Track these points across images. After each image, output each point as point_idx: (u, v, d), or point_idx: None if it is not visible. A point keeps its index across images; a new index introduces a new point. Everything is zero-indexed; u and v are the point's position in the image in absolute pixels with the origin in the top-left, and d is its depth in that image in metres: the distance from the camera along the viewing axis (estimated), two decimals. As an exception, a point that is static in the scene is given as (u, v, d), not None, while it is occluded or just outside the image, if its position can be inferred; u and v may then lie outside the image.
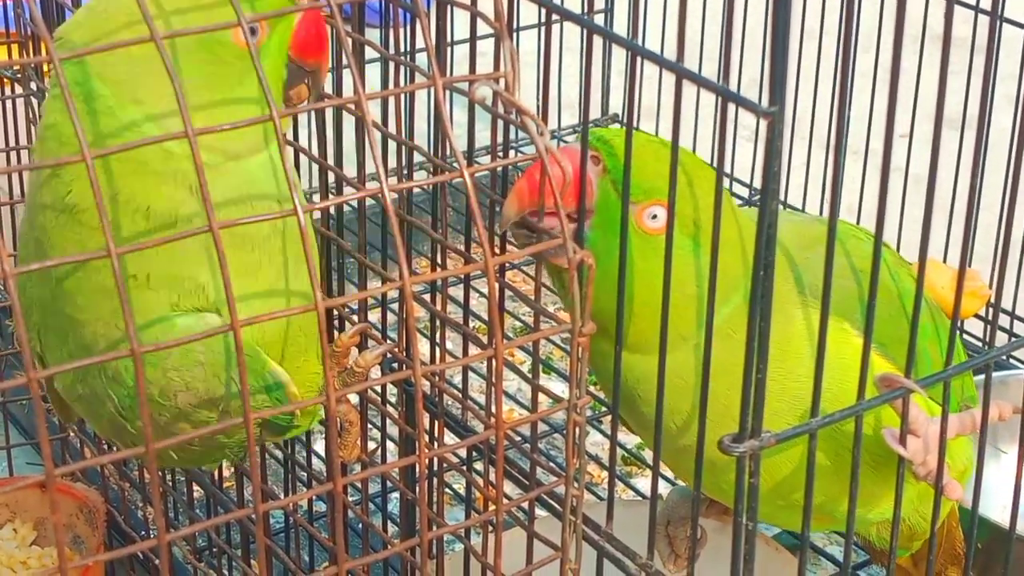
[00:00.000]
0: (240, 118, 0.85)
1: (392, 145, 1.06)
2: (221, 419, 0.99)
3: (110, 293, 0.97)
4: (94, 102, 0.95)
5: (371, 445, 1.46)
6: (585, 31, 0.88)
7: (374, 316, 1.32)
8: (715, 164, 0.82)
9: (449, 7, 0.97)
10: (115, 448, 1.45)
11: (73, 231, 0.97)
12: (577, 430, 0.85)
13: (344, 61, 1.15)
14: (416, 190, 1.30)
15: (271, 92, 0.73)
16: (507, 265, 1.41)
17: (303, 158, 1.14)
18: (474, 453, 1.18)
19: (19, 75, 1.54)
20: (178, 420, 1.00)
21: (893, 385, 0.89)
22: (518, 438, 1.54)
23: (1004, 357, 1.69)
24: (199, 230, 0.70)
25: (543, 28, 0.96)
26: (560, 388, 1.76)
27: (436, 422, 1.07)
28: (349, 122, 1.10)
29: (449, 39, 1.30)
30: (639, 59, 0.84)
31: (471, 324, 1.09)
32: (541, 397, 1.00)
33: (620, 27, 2.15)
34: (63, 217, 0.98)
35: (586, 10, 1.86)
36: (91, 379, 1.01)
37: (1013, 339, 1.71)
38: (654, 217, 0.98)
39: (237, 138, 0.96)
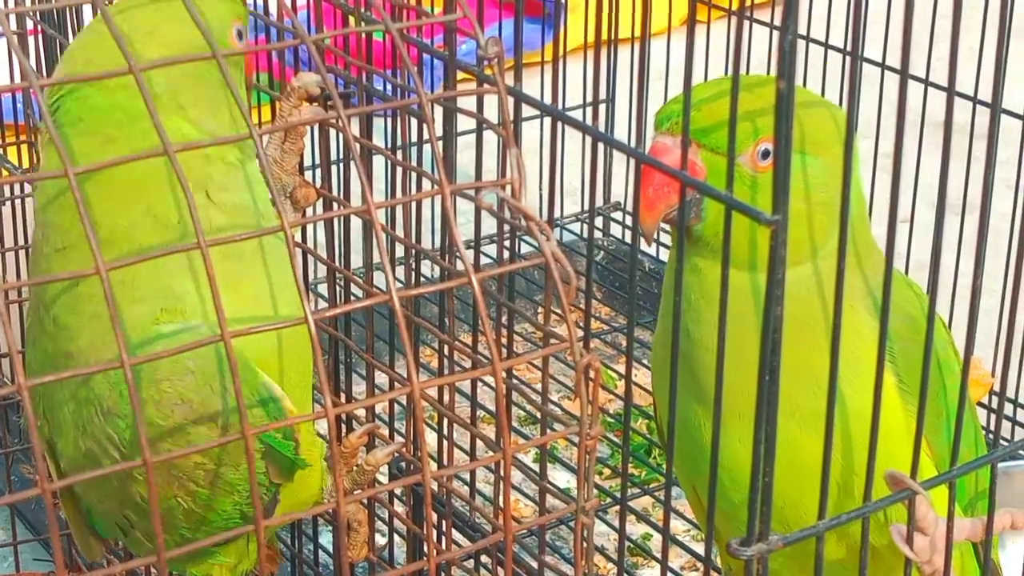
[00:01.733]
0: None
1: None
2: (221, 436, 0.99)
3: (101, 317, 0.99)
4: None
5: (379, 539, 1.46)
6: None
7: (380, 406, 1.33)
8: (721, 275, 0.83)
9: (455, 114, 0.98)
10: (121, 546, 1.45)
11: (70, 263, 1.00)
12: (585, 531, 0.86)
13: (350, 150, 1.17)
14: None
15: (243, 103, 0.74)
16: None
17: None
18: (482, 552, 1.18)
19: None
20: (178, 442, 1.00)
21: (900, 485, 0.89)
22: (524, 531, 1.54)
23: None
24: (189, 246, 0.70)
25: (546, 121, 0.97)
26: (565, 478, 1.76)
27: (444, 521, 1.08)
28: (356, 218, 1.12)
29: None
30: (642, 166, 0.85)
31: (478, 412, 1.10)
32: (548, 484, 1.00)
33: (622, 113, 2.18)
34: (58, 256, 1.00)
35: (588, 100, 1.89)
36: (90, 427, 1.02)
37: (1018, 428, 1.72)
38: (765, 154, 0.99)
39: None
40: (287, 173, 1.08)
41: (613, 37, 2.01)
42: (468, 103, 1.77)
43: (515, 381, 1.79)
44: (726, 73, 1.90)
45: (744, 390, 0.85)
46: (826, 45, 1.82)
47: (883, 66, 1.76)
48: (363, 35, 1.08)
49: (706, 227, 0.99)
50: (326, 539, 1.61)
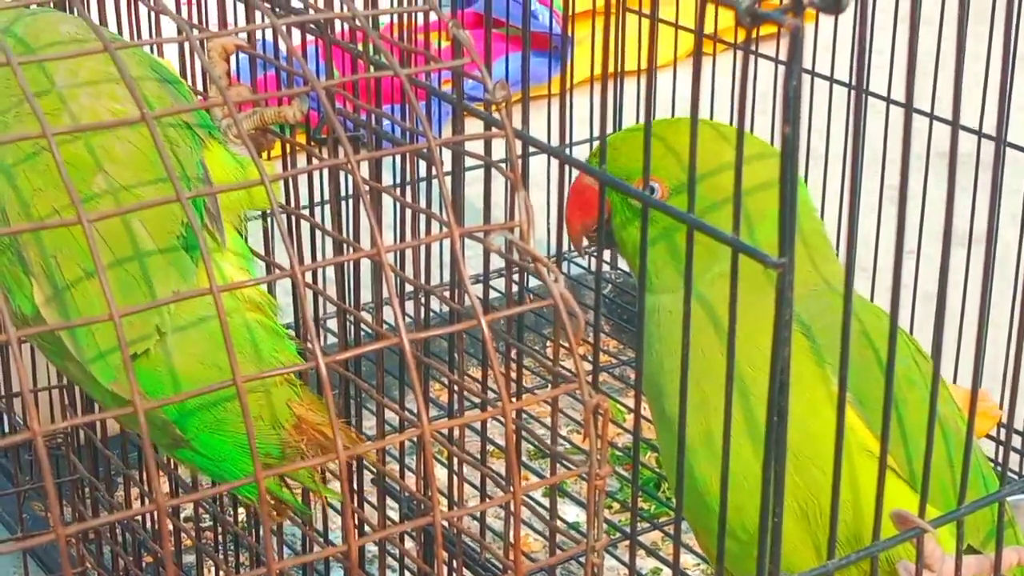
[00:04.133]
0: None
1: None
2: None
3: None
4: None
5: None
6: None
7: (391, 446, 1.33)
8: (730, 318, 0.84)
9: (463, 156, 0.99)
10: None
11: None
12: (595, 570, 0.86)
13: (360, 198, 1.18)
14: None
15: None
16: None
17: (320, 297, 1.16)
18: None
19: None
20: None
21: (907, 524, 0.90)
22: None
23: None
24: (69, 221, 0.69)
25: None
26: (575, 511, 1.76)
27: (455, 559, 1.08)
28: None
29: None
30: (648, 208, 0.86)
31: (487, 447, 1.10)
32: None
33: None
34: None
35: (594, 135, 1.89)
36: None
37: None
38: (651, 190, 1.07)
39: None
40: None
41: (619, 70, 2.02)
42: (476, 143, 1.78)
43: (524, 417, 1.80)
44: (731, 106, 1.91)
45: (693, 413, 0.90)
46: (831, 79, 1.83)
47: (888, 100, 1.77)
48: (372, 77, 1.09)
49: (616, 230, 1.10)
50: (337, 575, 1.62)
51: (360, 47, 1.08)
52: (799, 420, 0.86)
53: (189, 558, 1.56)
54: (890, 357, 0.86)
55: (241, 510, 1.52)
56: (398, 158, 1.17)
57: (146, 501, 1.44)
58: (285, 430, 1.04)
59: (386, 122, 1.08)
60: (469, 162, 1.11)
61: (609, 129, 2.11)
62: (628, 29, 2.00)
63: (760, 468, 0.81)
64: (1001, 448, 1.73)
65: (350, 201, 1.69)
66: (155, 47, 1.21)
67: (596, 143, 0.97)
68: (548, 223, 1.95)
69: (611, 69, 2.02)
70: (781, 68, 1.89)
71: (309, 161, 1.13)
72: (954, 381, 1.82)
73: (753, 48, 1.88)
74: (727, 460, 0.88)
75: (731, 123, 1.92)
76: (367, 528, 1.22)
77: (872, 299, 1.86)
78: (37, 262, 0.99)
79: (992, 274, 1.74)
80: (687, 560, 1.70)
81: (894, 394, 0.87)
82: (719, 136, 1.10)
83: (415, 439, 1.15)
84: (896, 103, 1.75)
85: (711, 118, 1.96)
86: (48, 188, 0.99)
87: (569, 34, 2.86)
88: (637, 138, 1.09)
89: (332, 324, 1.87)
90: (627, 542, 1.52)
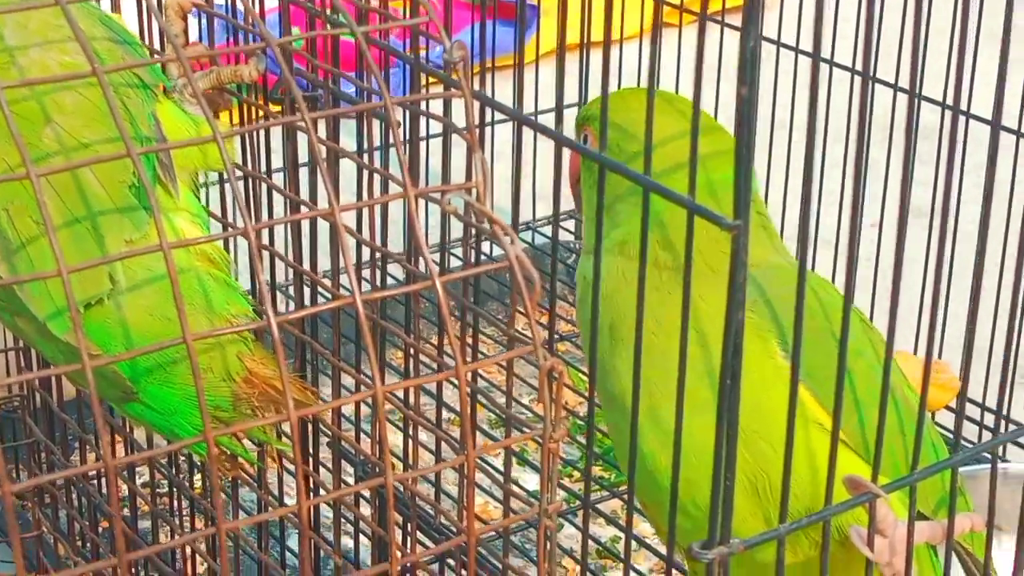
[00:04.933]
0: None
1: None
2: None
3: None
4: None
5: (346, 541, 1.46)
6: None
7: (347, 408, 1.33)
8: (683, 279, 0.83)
9: (422, 116, 0.98)
10: (88, 544, 1.45)
11: None
12: (549, 534, 0.86)
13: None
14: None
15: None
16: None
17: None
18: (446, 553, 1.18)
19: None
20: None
21: (860, 489, 0.90)
22: (492, 534, 1.54)
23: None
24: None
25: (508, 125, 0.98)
26: (536, 480, 1.76)
27: (409, 523, 1.08)
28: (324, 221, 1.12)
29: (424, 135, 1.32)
30: (604, 169, 0.86)
31: (444, 414, 1.10)
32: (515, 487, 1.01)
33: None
34: None
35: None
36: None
37: (985, 432, 1.72)
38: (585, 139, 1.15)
39: None
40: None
41: (585, 41, 2.01)
42: (436, 107, 1.77)
43: (483, 383, 1.80)
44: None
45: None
46: (796, 50, 1.83)
47: (852, 71, 1.77)
48: (330, 38, 1.08)
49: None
50: (293, 541, 1.61)
51: (318, 8, 1.07)
52: (746, 394, 0.85)
53: (146, 523, 1.55)
54: (844, 329, 0.86)
55: (199, 476, 1.51)
56: (357, 124, 1.16)
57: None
58: (236, 383, 1.03)
59: (346, 84, 1.07)
60: (431, 131, 1.10)
61: (575, 98, 2.11)
62: (594, -1, 1.99)
63: (708, 441, 0.81)
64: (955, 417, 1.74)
65: (309, 166, 1.69)
66: (112, 4, 1.19)
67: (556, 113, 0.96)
68: (513, 191, 1.94)
69: (576, 41, 2.01)
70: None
71: (266, 120, 1.12)
72: (915, 352, 1.83)
73: (721, 19, 1.87)
74: (679, 435, 0.88)
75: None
76: (322, 492, 1.22)
77: (835, 272, 1.86)
78: None
79: (954, 247, 1.75)
80: (646, 528, 1.71)
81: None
82: (667, 106, 1.10)
83: (370, 402, 1.14)
84: (859, 73, 1.75)
85: (676, 89, 1.96)
86: None
87: (535, 3, 2.85)
88: (597, 104, 1.09)
89: (292, 292, 1.87)
90: (583, 510, 1.53)
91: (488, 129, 2.05)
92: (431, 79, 1.99)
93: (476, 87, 1.01)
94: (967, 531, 1.01)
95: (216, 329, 0.99)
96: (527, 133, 1.13)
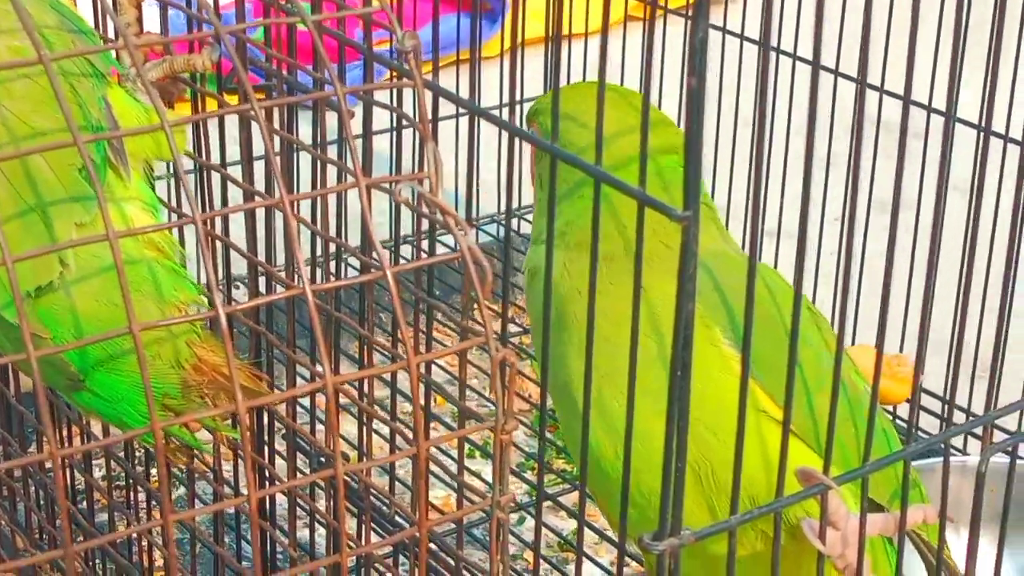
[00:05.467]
0: None
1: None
2: None
3: None
4: None
5: (302, 532, 1.46)
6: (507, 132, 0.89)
7: (306, 401, 1.33)
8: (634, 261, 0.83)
9: (373, 106, 0.98)
10: (45, 537, 1.44)
11: None
12: (501, 525, 0.86)
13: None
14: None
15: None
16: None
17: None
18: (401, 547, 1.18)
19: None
20: None
21: (812, 480, 0.90)
22: (447, 526, 1.54)
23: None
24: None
25: (465, 120, 0.98)
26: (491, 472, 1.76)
27: (363, 515, 1.08)
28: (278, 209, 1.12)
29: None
30: (556, 161, 0.86)
31: (399, 406, 1.10)
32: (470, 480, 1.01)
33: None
34: None
35: (511, 95, 1.88)
36: None
37: (943, 425, 1.73)
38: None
39: None
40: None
41: (554, 34, 2.01)
42: (388, 98, 1.76)
43: (445, 376, 1.79)
44: (662, 70, 1.90)
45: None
46: (782, 52, 1.84)
47: (836, 72, 1.77)
48: (286, 28, 1.08)
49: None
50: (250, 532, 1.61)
51: (274, -3, 1.06)
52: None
53: (103, 516, 1.54)
54: (795, 319, 0.86)
55: (154, 469, 1.51)
56: (313, 116, 1.15)
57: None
58: (185, 371, 1.03)
59: (304, 77, 1.07)
60: (384, 124, 1.10)
61: (541, 91, 2.10)
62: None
63: (654, 429, 0.81)
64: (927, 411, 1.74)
65: (263, 159, 1.68)
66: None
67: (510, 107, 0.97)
68: (456, 188, 1.94)
69: (541, 33, 2.01)
70: (728, 38, 1.89)
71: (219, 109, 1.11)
72: (901, 350, 1.84)
73: (663, 4, 1.87)
74: (631, 423, 0.88)
75: (654, 85, 1.92)
76: (277, 484, 1.21)
77: (818, 269, 1.86)
78: None
79: (916, 239, 1.76)
80: (606, 521, 1.71)
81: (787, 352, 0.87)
82: (619, 100, 1.11)
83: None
84: (836, 72, 1.76)
85: (643, 83, 1.95)
86: None
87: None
88: (546, 99, 1.09)
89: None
90: (545, 502, 1.52)
91: (452, 123, 2.04)
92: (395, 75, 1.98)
93: (431, 79, 1.01)
94: (920, 522, 1.01)
95: (165, 319, 0.98)
96: (492, 128, 1.13)
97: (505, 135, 1.07)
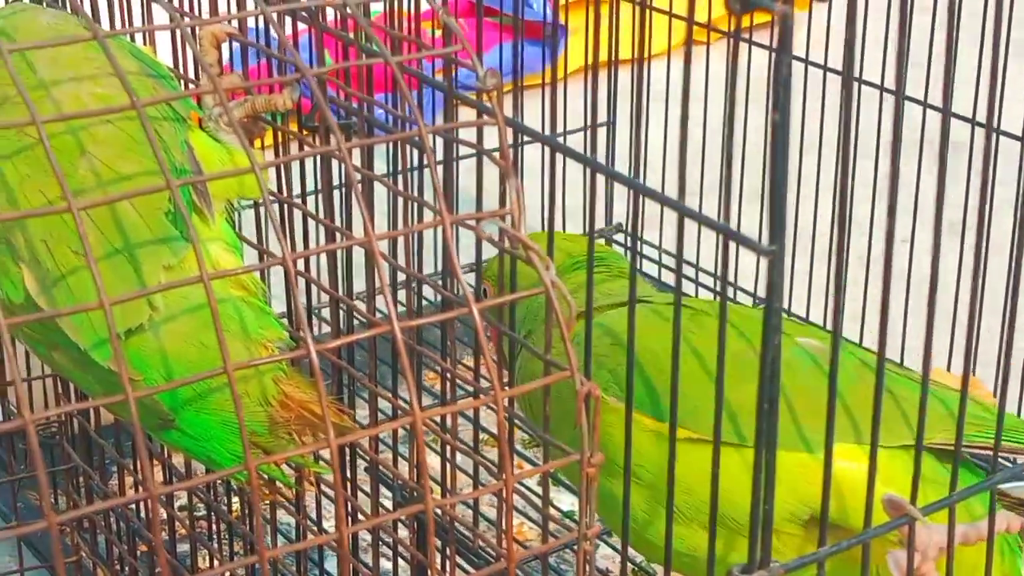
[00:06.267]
0: None
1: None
2: None
3: None
4: None
5: (384, 564, 1.47)
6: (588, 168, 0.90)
7: (385, 432, 1.33)
8: (718, 299, 0.84)
9: (456, 144, 0.99)
10: (126, 569, 1.46)
11: None
12: (587, 557, 0.86)
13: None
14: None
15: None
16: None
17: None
18: None
19: None
20: None
21: (900, 511, 0.90)
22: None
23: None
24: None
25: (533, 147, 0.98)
26: (569, 500, 1.76)
27: (448, 547, 1.08)
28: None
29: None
30: (641, 197, 0.86)
31: (481, 435, 1.10)
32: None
33: (623, 134, 2.19)
34: None
35: (588, 123, 1.89)
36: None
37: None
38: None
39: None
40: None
41: (613, 59, 2.02)
42: (468, 131, 1.77)
43: (517, 408, 1.80)
44: (726, 91, 1.90)
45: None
46: (825, 68, 1.83)
47: (881, 88, 1.77)
48: (363, 65, 1.09)
49: None
50: (331, 564, 1.62)
51: (351, 35, 1.07)
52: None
53: (184, 547, 1.56)
54: (833, 368, 0.85)
55: (235, 499, 1.52)
56: (390, 147, 1.17)
57: (139, 489, 1.44)
58: (272, 407, 1.04)
59: (378, 110, 1.08)
60: (462, 151, 1.11)
61: (602, 117, 2.11)
62: (622, 17, 1.99)
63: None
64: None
65: (342, 191, 1.69)
66: (146, 35, 1.21)
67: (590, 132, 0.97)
68: (542, 213, 1.95)
69: (604, 59, 2.02)
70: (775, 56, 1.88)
71: (301, 149, 1.13)
72: (948, 369, 1.82)
73: (745, 36, 1.87)
74: (717, 465, 0.88)
75: (725, 109, 1.92)
76: (360, 517, 1.22)
77: (867, 286, 1.86)
78: (25, 248, 0.99)
79: (986, 262, 1.74)
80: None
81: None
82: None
83: (408, 427, 1.15)
84: (888, 91, 1.75)
85: (704, 106, 1.95)
86: (35, 174, 0.99)
87: (563, 23, 2.86)
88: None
89: (326, 314, 1.87)
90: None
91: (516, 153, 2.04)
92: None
93: (508, 110, 1.01)
94: (1001, 531, 1.00)
95: (257, 359, 0.99)
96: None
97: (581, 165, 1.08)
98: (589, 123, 1.94)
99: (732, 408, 1.02)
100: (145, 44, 1.28)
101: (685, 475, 1.06)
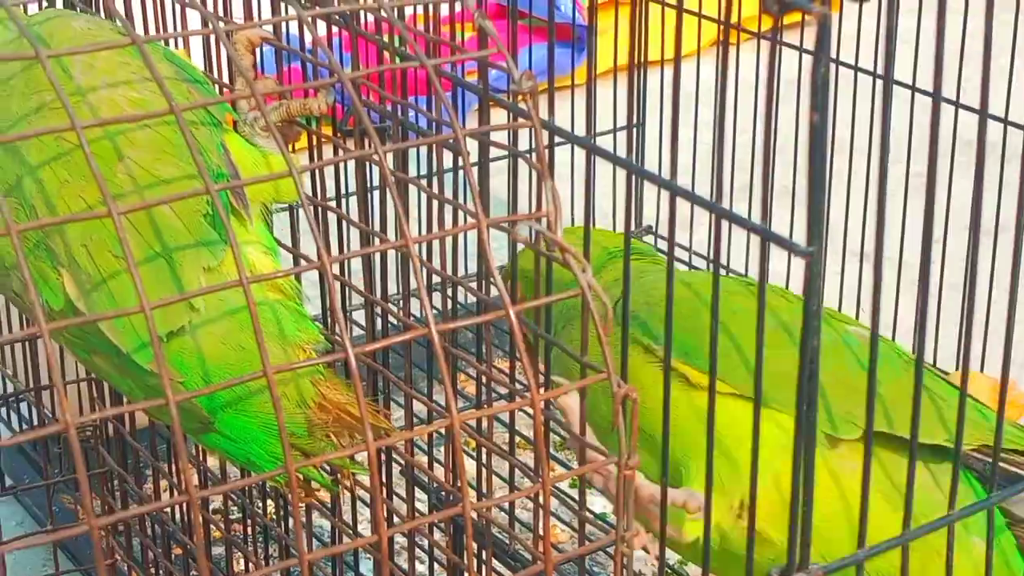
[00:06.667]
0: None
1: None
2: None
3: None
4: None
5: (419, 568, 1.47)
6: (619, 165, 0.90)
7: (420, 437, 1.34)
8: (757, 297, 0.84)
9: (489, 147, 0.99)
10: (162, 572, 1.46)
11: None
12: (624, 560, 0.86)
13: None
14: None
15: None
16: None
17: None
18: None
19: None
20: None
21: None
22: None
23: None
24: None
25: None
26: (602, 502, 1.76)
27: (484, 550, 1.08)
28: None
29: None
30: (675, 197, 0.86)
31: (516, 438, 1.10)
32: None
33: (652, 133, 2.19)
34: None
35: (621, 124, 1.89)
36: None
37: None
38: None
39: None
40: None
41: (643, 60, 2.02)
42: (499, 133, 1.78)
43: (552, 409, 1.80)
44: (756, 92, 1.90)
45: None
46: (856, 68, 1.83)
47: (913, 88, 1.76)
48: (399, 69, 1.09)
49: None
50: (365, 567, 1.62)
51: (386, 38, 1.08)
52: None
53: (218, 550, 1.56)
54: (873, 345, 0.85)
55: (270, 502, 1.53)
56: (424, 149, 1.17)
57: (174, 493, 1.44)
58: (310, 409, 1.04)
59: (412, 113, 1.08)
60: (495, 153, 1.11)
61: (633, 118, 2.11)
62: (651, 18, 1.99)
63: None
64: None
65: (376, 193, 1.70)
66: (181, 39, 1.21)
67: (622, 133, 0.97)
68: (572, 214, 1.95)
69: (635, 59, 2.01)
70: (805, 57, 1.89)
71: (335, 153, 1.13)
72: (981, 370, 1.81)
73: (779, 37, 1.87)
74: (755, 481, 0.87)
75: (756, 110, 1.91)
76: (396, 519, 1.23)
77: (898, 287, 1.85)
78: (65, 253, 0.99)
79: (1020, 264, 1.73)
80: (714, 550, 1.70)
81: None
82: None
83: (443, 430, 1.15)
84: (921, 91, 1.74)
85: (735, 107, 1.95)
86: (75, 179, 0.99)
87: (592, 24, 2.86)
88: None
89: (359, 316, 1.88)
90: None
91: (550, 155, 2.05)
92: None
93: (543, 112, 1.02)
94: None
95: (296, 362, 1.00)
96: (581, 153, 1.14)
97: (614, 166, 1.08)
98: (624, 124, 1.95)
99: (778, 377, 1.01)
100: (178, 48, 1.28)
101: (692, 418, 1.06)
